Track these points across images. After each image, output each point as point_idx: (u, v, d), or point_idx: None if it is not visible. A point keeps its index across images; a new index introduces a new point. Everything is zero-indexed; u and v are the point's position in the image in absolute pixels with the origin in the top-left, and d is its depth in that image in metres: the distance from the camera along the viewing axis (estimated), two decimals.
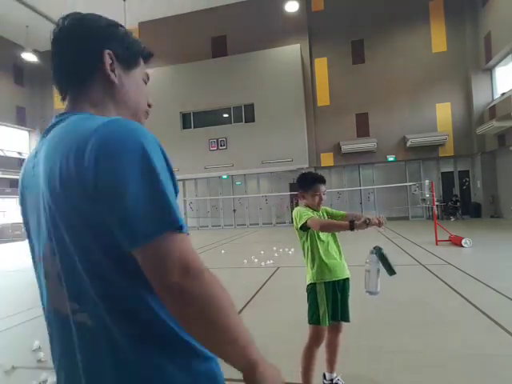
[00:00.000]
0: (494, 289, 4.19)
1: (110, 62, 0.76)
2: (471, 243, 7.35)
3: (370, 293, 1.98)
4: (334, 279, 2.08)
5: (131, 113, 0.81)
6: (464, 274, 5.06)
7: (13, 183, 18.49)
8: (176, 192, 0.64)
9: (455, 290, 4.23)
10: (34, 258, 0.77)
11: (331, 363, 2.20)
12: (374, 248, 1.96)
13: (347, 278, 2.17)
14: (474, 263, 5.97)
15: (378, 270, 1.93)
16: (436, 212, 9.05)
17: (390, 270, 1.92)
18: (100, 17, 0.81)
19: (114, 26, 0.82)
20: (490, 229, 10.85)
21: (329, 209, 2.35)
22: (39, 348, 3.13)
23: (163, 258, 0.57)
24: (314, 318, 2.05)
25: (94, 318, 0.63)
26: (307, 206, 2.24)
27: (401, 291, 4.32)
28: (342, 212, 2.30)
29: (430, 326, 3.18)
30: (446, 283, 4.59)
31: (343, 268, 2.15)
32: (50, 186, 0.64)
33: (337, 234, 2.22)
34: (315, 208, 2.22)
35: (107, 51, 0.75)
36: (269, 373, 0.63)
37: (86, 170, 0.59)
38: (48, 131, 0.73)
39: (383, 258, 1.92)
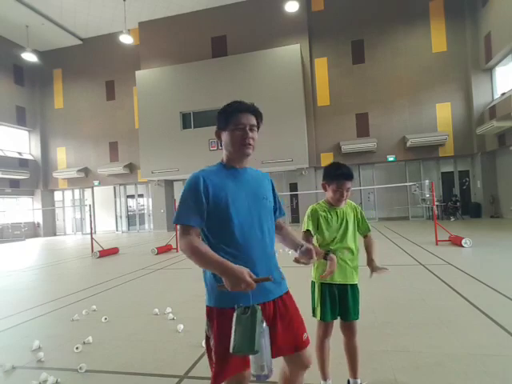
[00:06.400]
0: (493, 289, 4.19)
1: (216, 131, 1.58)
2: (471, 243, 7.36)
3: (263, 377, 1.30)
4: (331, 282, 2.06)
5: (229, 153, 1.53)
6: (464, 274, 5.06)
7: (13, 183, 18.48)
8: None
9: (455, 290, 4.23)
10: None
11: (352, 368, 2.17)
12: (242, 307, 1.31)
13: (352, 285, 2.10)
14: (474, 263, 5.97)
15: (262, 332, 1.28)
16: (436, 212, 9.05)
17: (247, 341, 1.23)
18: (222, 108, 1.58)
19: (218, 113, 1.57)
20: (490, 229, 10.85)
21: (359, 213, 2.21)
22: (39, 348, 3.13)
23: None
24: (313, 313, 2.14)
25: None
26: (328, 201, 2.15)
27: (401, 291, 4.32)
28: (368, 225, 2.22)
29: (430, 326, 3.18)
30: (446, 283, 4.59)
31: (347, 274, 2.08)
32: None
33: (356, 237, 2.17)
34: (335, 203, 2.11)
35: (216, 127, 1.58)
36: (230, 271, 1.27)
37: None
38: None
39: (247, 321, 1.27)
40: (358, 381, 2.16)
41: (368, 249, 2.20)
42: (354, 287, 2.13)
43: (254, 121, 1.55)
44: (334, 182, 2.06)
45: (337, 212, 2.13)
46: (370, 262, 2.15)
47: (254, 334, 1.23)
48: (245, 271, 1.27)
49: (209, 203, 1.42)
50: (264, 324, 1.30)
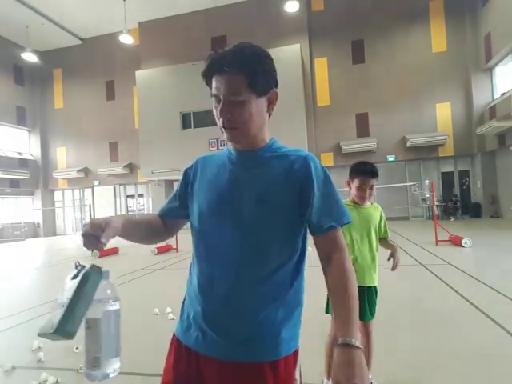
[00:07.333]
0: (493, 289, 4.19)
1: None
2: (471, 243, 7.35)
3: (99, 376, 0.83)
4: None
5: None
6: (464, 274, 5.06)
7: (13, 183, 18.47)
8: None
9: (455, 290, 4.23)
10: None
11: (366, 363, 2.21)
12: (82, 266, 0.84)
13: (369, 287, 2.10)
14: (473, 263, 5.98)
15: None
16: (436, 212, 9.05)
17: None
18: None
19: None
20: (490, 229, 10.85)
21: (384, 216, 2.23)
22: (39, 348, 3.13)
23: None
24: (328, 310, 2.11)
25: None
26: (352, 200, 2.15)
27: (401, 291, 4.32)
28: (387, 231, 2.24)
29: (430, 326, 3.18)
30: (446, 283, 4.59)
31: (364, 276, 2.08)
32: None
33: (377, 239, 2.16)
34: (359, 201, 2.11)
35: None
36: None
37: None
38: None
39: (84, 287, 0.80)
40: (370, 375, 2.19)
41: (388, 247, 2.23)
42: (371, 290, 2.12)
43: (237, 83, 0.94)
44: (357, 179, 2.07)
45: (361, 212, 2.12)
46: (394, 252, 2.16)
47: (73, 308, 0.80)
48: (93, 220, 0.84)
49: (189, 193, 1.09)
50: (113, 304, 0.83)
